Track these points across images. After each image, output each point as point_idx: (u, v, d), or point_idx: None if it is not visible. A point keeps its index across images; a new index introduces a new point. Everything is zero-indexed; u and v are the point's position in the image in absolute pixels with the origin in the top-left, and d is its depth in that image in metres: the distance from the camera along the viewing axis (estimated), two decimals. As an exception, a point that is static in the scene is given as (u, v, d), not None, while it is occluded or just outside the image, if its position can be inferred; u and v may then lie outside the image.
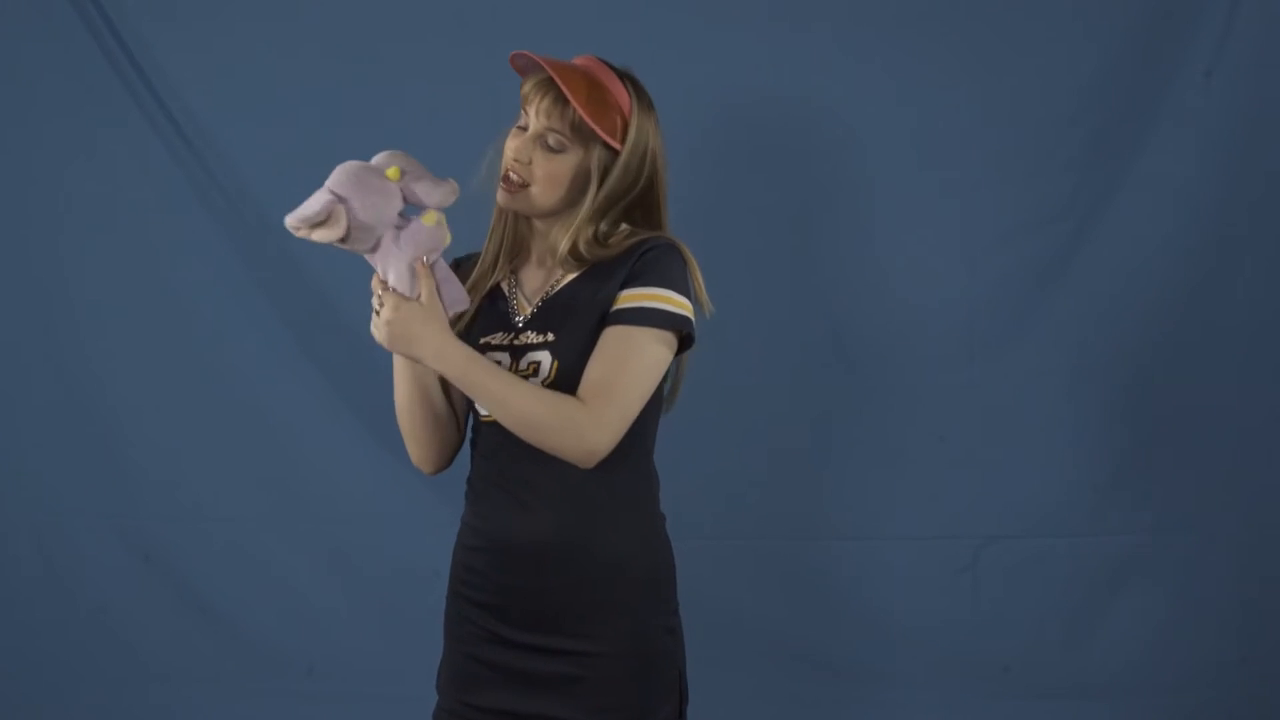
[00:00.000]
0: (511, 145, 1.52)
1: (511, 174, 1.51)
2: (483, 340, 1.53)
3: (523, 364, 1.49)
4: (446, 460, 1.63)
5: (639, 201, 1.56)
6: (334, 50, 2.24)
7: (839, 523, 2.28)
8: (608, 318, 1.47)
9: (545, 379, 1.47)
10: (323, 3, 2.25)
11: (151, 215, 2.29)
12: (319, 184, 2.28)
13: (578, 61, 1.54)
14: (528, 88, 1.52)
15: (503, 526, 1.52)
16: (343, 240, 1.41)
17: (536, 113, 1.50)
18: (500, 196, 1.53)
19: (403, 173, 1.44)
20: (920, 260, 2.22)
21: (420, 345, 1.43)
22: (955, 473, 2.25)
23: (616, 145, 1.51)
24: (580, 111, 1.46)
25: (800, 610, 2.29)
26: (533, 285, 1.57)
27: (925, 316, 2.23)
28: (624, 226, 1.56)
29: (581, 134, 1.50)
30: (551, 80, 1.48)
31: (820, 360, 2.24)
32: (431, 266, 1.46)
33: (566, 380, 1.46)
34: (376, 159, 1.48)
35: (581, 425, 1.42)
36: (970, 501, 2.25)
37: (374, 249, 1.45)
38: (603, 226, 1.53)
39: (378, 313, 1.46)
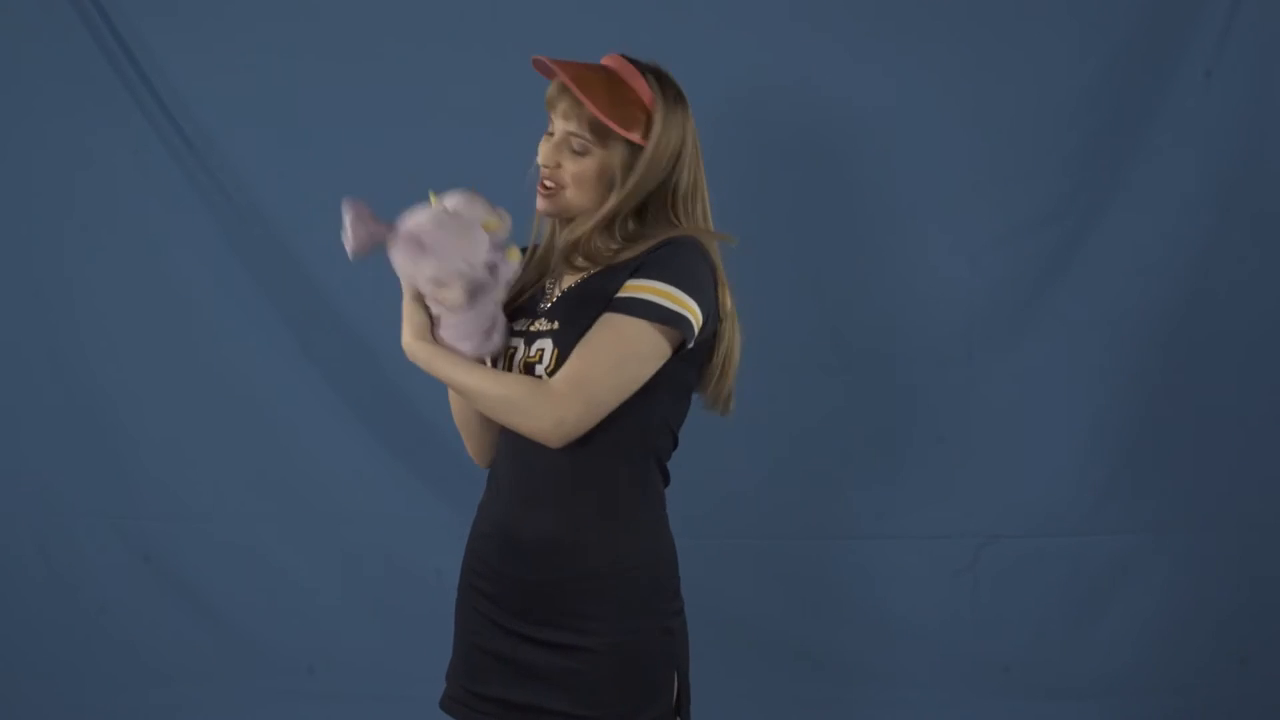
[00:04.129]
0: (541, 151, 1.55)
1: (546, 180, 1.54)
2: (515, 329, 1.57)
3: (532, 350, 1.52)
4: None
5: (673, 195, 1.56)
6: (335, 51, 2.24)
7: (839, 523, 2.28)
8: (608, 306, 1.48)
9: (547, 366, 1.49)
10: (324, 3, 2.25)
11: (152, 215, 2.29)
12: (319, 184, 2.29)
13: (603, 61, 1.55)
14: (550, 93, 1.54)
15: (509, 517, 1.55)
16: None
17: (558, 117, 1.53)
18: (539, 203, 1.55)
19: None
20: (920, 260, 2.22)
21: (406, 347, 1.52)
22: (955, 473, 2.25)
23: (639, 141, 1.51)
24: (596, 113, 1.47)
25: (800, 610, 2.29)
26: (566, 282, 1.59)
27: (925, 316, 2.23)
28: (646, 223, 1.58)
29: (601, 134, 1.50)
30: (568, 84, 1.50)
31: (820, 360, 2.24)
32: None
33: None
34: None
35: (541, 405, 1.44)
36: (970, 501, 2.25)
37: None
38: (630, 225, 1.55)
39: None
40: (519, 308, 1.59)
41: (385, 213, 2.23)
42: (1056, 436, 2.23)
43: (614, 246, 1.53)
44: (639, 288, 1.46)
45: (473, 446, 1.66)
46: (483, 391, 1.48)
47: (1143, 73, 2.16)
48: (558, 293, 1.57)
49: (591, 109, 1.47)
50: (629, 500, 1.54)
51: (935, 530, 2.26)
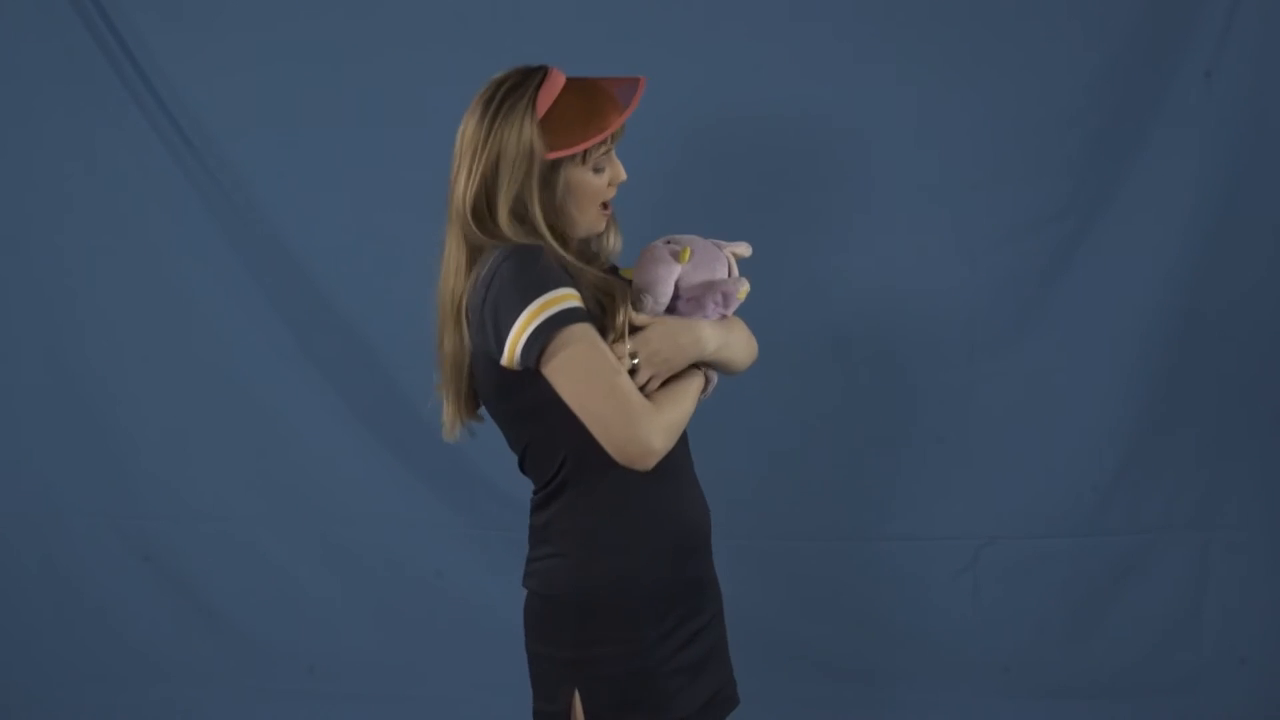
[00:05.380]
0: (614, 175, 1.48)
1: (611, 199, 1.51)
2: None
3: None
4: None
5: None
6: (334, 52, 2.24)
7: (839, 523, 2.28)
8: None
9: None
10: (322, 4, 2.25)
11: (151, 215, 2.29)
12: (318, 184, 2.31)
13: (553, 73, 1.48)
14: (619, 126, 1.46)
15: (691, 512, 1.50)
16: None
17: (613, 141, 1.48)
18: (603, 222, 1.51)
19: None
20: (920, 260, 2.22)
21: (697, 343, 1.46)
22: (955, 473, 2.25)
23: None
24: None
25: (800, 610, 2.30)
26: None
27: (925, 316, 2.23)
28: None
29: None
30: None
31: (820, 360, 2.24)
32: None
33: None
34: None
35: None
36: (970, 501, 2.25)
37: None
38: None
39: (635, 366, 1.41)
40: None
41: (385, 212, 2.24)
42: (1057, 437, 2.23)
43: None
44: None
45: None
46: (746, 333, 1.56)
47: (1143, 73, 2.16)
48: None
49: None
50: None
51: (935, 531, 2.26)
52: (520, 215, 1.42)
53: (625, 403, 1.36)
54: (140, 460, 2.33)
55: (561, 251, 1.42)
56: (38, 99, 2.28)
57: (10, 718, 2.37)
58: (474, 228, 1.41)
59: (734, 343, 1.52)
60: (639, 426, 1.35)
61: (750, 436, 2.23)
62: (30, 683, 2.37)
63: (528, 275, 1.37)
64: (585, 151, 1.44)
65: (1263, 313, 2.21)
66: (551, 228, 1.44)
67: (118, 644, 2.36)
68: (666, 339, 1.43)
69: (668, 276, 1.48)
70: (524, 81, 1.44)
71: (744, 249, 1.57)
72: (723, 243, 1.55)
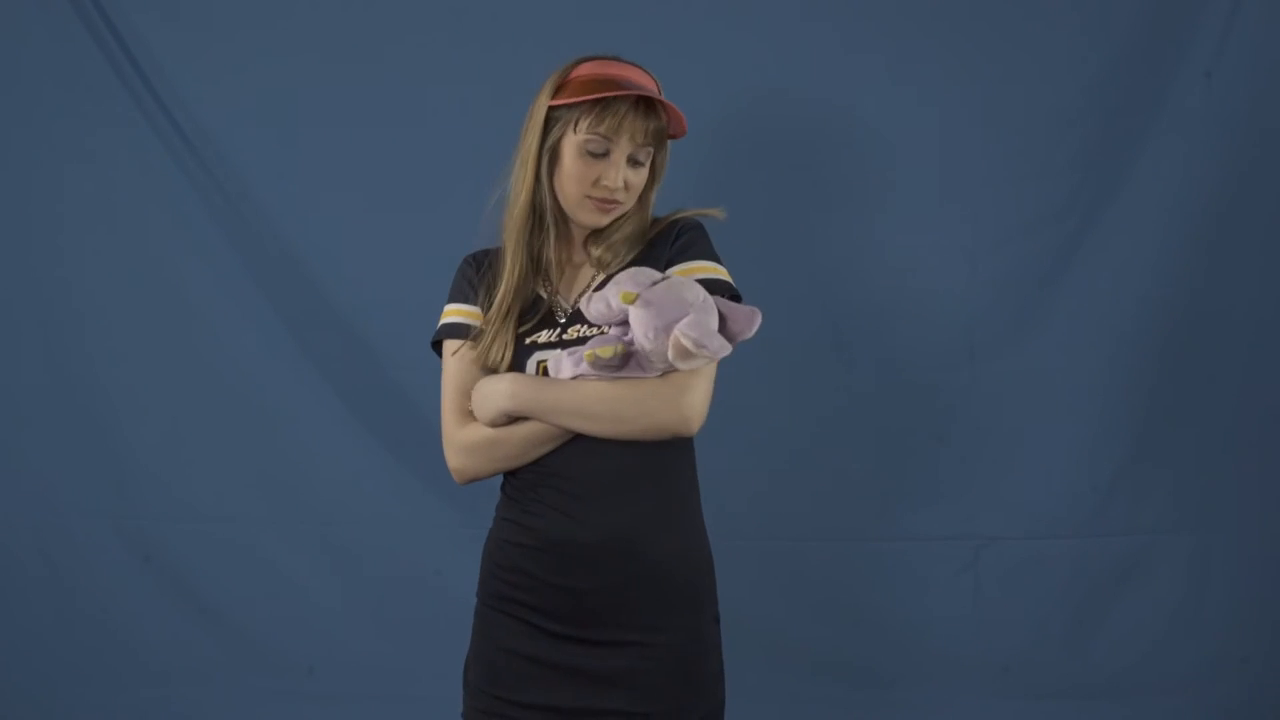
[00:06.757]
0: (604, 173, 1.52)
1: (610, 199, 1.54)
2: (529, 340, 1.54)
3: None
4: None
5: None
6: (334, 51, 2.24)
7: (840, 524, 2.28)
8: None
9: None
10: (323, 3, 2.25)
11: (151, 215, 2.29)
12: (318, 184, 2.31)
13: (632, 69, 1.56)
14: (622, 119, 1.50)
15: (555, 527, 1.52)
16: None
17: (631, 137, 1.51)
18: (597, 219, 1.56)
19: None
20: (921, 260, 2.22)
21: (492, 395, 1.51)
22: (955, 473, 2.25)
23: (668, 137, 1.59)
24: (679, 129, 1.56)
25: (800, 611, 2.29)
26: (572, 287, 1.60)
27: (925, 316, 2.23)
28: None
29: (662, 141, 1.56)
30: (638, 103, 1.51)
31: (820, 360, 2.24)
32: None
33: None
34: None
35: (676, 395, 1.47)
36: (970, 501, 2.25)
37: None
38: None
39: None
40: (526, 322, 1.56)
41: (385, 211, 2.25)
42: (1058, 437, 2.23)
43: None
44: (707, 269, 1.54)
45: (495, 470, 1.60)
46: (618, 396, 1.46)
47: (1143, 73, 2.16)
48: (569, 302, 1.58)
49: (673, 127, 1.55)
50: (690, 495, 1.59)
51: (936, 531, 2.25)
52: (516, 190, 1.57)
53: (444, 419, 1.59)
54: (140, 460, 2.33)
55: (506, 252, 1.58)
56: (38, 99, 2.28)
57: (10, 718, 2.36)
58: None
59: (558, 409, 1.48)
60: (445, 441, 1.59)
61: (750, 436, 2.23)
62: (30, 683, 2.37)
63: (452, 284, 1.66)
64: (577, 116, 1.50)
65: (1263, 313, 2.21)
66: (546, 189, 1.56)
67: (117, 644, 2.35)
68: (481, 385, 1.54)
69: (607, 298, 1.49)
70: (585, 56, 1.57)
71: (707, 341, 1.43)
72: (697, 323, 1.43)
